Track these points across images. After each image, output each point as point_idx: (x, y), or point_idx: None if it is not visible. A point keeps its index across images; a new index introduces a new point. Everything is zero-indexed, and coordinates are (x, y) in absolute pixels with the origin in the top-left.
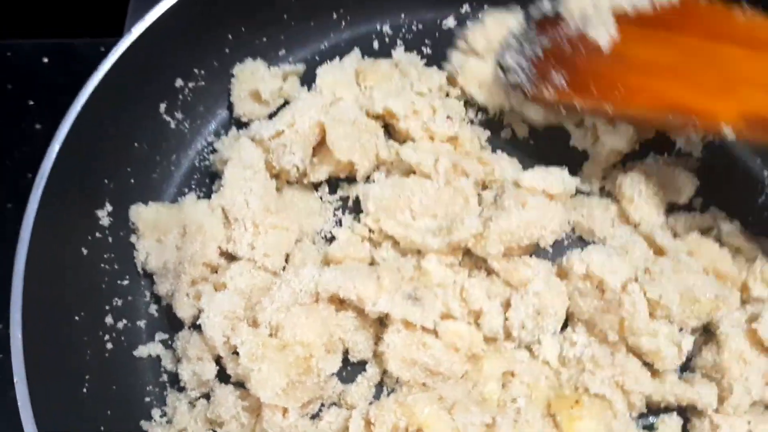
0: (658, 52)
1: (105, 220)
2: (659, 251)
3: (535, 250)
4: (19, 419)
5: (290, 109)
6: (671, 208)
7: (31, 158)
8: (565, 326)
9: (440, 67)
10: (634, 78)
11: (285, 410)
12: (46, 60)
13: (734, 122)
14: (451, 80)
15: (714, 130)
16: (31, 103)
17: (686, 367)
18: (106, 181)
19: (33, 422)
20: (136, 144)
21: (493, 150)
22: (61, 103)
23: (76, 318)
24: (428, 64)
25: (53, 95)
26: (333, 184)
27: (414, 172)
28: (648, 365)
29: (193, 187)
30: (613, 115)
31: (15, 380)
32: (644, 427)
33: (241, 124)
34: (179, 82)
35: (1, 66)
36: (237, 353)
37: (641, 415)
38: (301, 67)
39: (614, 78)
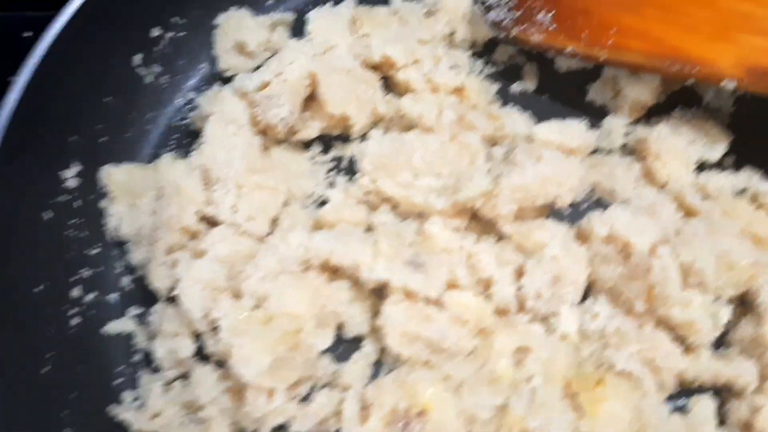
0: None
1: (72, 182)
2: (690, 212)
3: (551, 213)
4: None
5: (277, 58)
6: (701, 167)
7: None
8: (585, 297)
9: None
10: (628, 18)
11: (271, 391)
12: (27, 34)
13: (735, 71)
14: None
15: (715, 80)
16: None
17: (721, 343)
18: (73, 138)
19: None
20: (106, 99)
21: (504, 104)
22: None
23: (36, 290)
24: (430, 14)
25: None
26: (326, 142)
27: (415, 127)
28: (679, 339)
29: (171, 147)
30: (607, 62)
31: None
32: (675, 409)
33: (225, 80)
34: (156, 32)
35: None
36: (217, 328)
37: (671, 396)
38: (290, 16)
39: (607, 18)
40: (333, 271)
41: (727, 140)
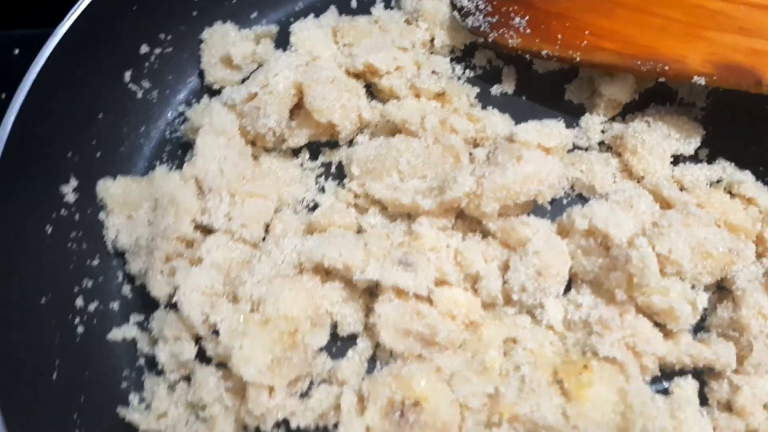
0: None
1: (70, 196)
2: (666, 204)
3: (533, 209)
4: None
5: (263, 69)
6: (677, 160)
7: None
8: (568, 288)
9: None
10: (601, 21)
11: (271, 389)
12: (17, 51)
13: (704, 67)
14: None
15: (685, 77)
16: (3, 96)
17: (700, 328)
18: (69, 154)
19: None
20: (100, 115)
21: (484, 107)
22: None
23: (43, 301)
24: (409, 22)
25: None
26: (314, 150)
27: (400, 132)
28: (660, 326)
29: (164, 159)
30: (582, 63)
31: None
32: (658, 392)
33: (213, 92)
34: (144, 49)
35: None
36: (217, 332)
37: (654, 380)
38: (274, 28)
39: (580, 21)
40: (326, 273)
41: (701, 134)
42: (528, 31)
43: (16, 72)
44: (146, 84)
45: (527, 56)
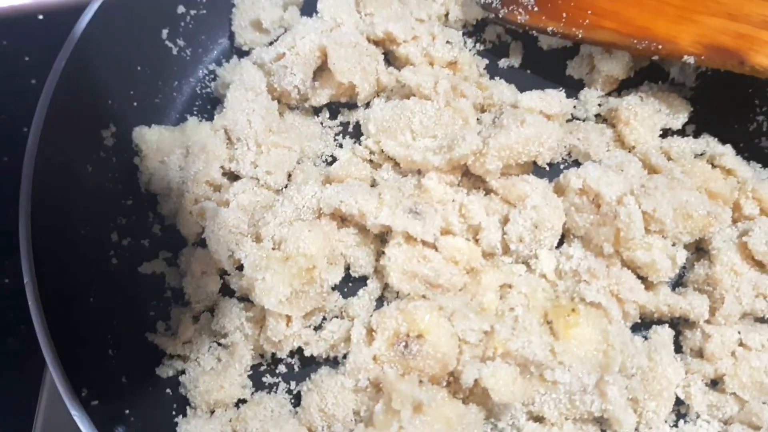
0: None
1: (109, 141)
2: (654, 171)
3: (533, 170)
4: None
5: (291, 33)
6: (665, 134)
7: (26, 114)
8: (561, 241)
9: None
10: (602, 2)
11: (288, 319)
12: (41, 17)
13: (694, 48)
14: None
15: (677, 56)
16: (27, 59)
17: (678, 284)
18: (109, 102)
19: (43, 318)
20: (138, 68)
21: (491, 78)
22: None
23: (82, 232)
24: None
25: (48, 51)
26: (334, 109)
27: (414, 95)
28: (642, 278)
29: (195, 112)
30: (583, 40)
31: (25, 281)
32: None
33: (242, 53)
34: (181, 9)
35: None
36: (241, 267)
37: (635, 327)
38: None
39: (583, 1)
40: (342, 220)
41: (689, 111)
42: (536, 9)
43: (41, 37)
44: (181, 42)
45: (533, 33)
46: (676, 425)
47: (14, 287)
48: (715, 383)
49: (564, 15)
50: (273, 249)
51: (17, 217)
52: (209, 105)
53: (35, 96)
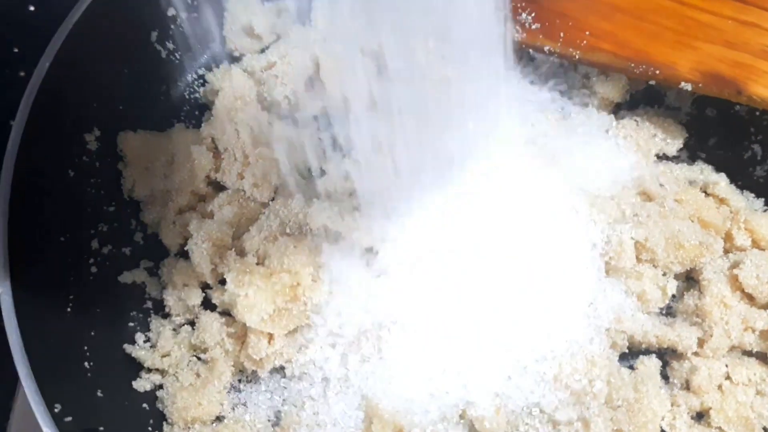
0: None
1: (92, 145)
2: (647, 197)
3: None
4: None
5: (284, 41)
6: (660, 159)
7: (14, 106)
8: None
9: None
10: (601, 23)
11: (271, 337)
12: (32, 8)
13: (692, 75)
14: None
15: (674, 82)
16: (16, 50)
17: (667, 313)
18: (94, 104)
19: (17, 329)
20: (126, 70)
21: None
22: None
23: (62, 239)
24: None
25: (38, 43)
26: (324, 121)
27: None
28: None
29: (182, 118)
30: (580, 60)
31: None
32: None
33: (233, 59)
34: (172, 12)
35: None
36: (223, 281)
37: (622, 356)
38: (295, 4)
39: (581, 21)
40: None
41: (684, 137)
42: (533, 26)
43: (31, 28)
44: (170, 45)
45: (530, 51)
46: None
47: None
48: (700, 416)
49: (561, 35)
50: (257, 264)
51: None
52: (197, 111)
53: (22, 89)
